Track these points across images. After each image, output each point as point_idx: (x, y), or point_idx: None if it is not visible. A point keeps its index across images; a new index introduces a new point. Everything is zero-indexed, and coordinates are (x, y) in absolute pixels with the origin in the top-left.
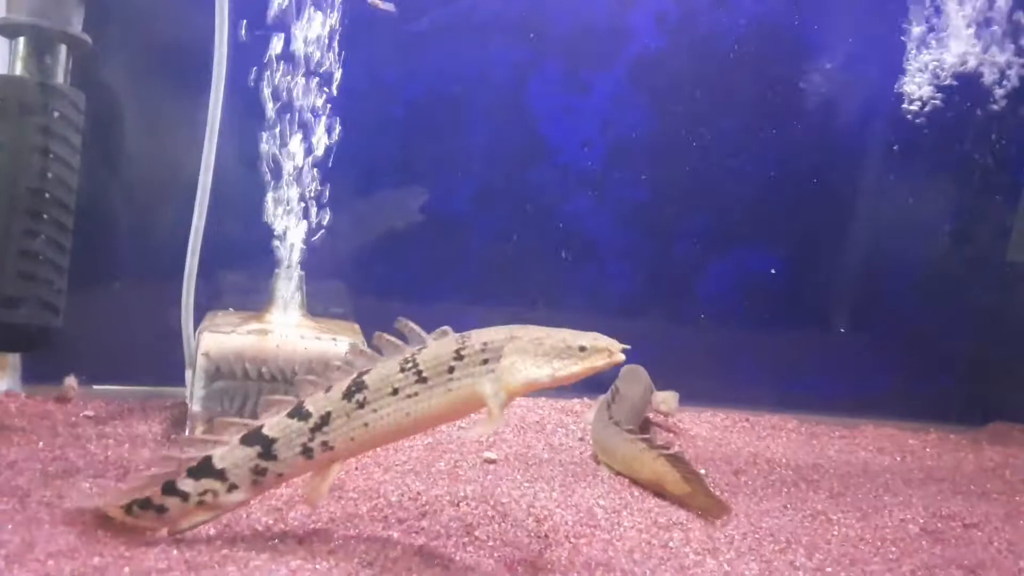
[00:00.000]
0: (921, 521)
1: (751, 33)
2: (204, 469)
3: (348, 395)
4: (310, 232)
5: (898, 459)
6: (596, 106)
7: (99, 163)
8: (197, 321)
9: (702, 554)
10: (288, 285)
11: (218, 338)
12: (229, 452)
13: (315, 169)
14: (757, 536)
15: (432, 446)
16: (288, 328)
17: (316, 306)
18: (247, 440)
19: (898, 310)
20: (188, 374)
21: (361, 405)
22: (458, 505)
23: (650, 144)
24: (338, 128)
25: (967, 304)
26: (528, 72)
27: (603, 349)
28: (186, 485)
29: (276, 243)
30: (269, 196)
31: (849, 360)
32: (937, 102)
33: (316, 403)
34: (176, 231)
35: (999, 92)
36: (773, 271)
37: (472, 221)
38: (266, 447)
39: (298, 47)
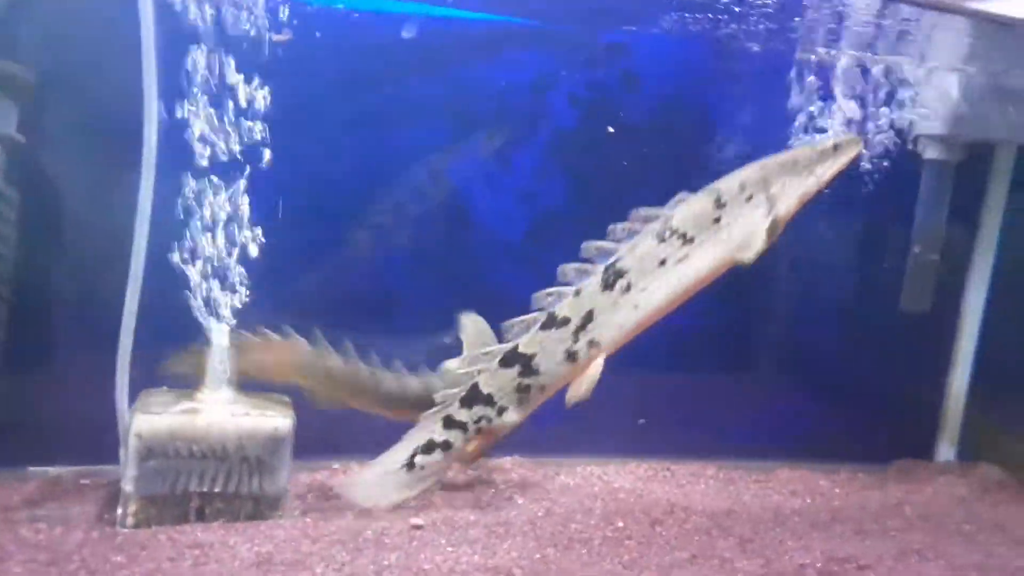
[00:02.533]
0: (819, 565)
1: (659, 111)
2: (473, 397)
3: (609, 285)
4: (240, 309)
5: (808, 501)
6: (517, 179)
7: (34, 242)
8: (133, 398)
9: None
10: (219, 363)
11: (149, 419)
12: (491, 376)
13: (244, 243)
14: None
15: (363, 513)
16: (219, 406)
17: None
18: (506, 362)
19: (811, 353)
20: (122, 453)
21: (627, 289)
22: (381, 574)
23: (569, 213)
24: (268, 205)
25: (873, 347)
26: (453, 150)
27: (852, 140)
28: (462, 415)
29: (206, 320)
30: (198, 273)
31: (765, 404)
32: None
33: (570, 307)
34: (110, 308)
35: (885, 155)
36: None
37: (403, 293)
38: (525, 364)
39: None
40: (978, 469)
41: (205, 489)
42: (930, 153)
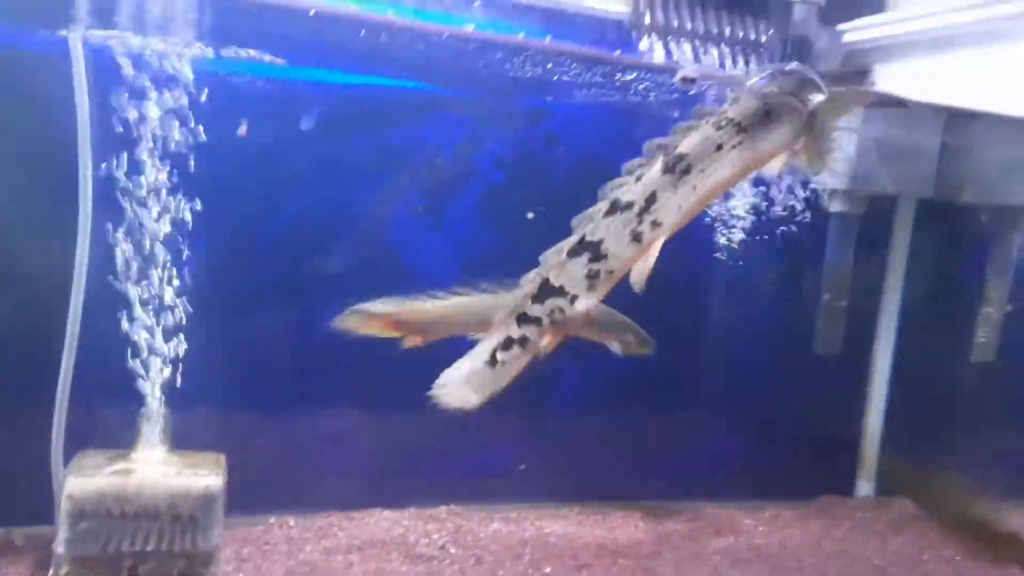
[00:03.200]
0: None
1: (581, 168)
2: (544, 291)
3: (669, 169)
4: (172, 367)
5: (731, 540)
6: (451, 232)
7: None
8: (68, 459)
9: None
10: (152, 423)
11: (81, 481)
12: (560, 269)
13: (177, 302)
14: None
15: (293, 569)
16: (151, 466)
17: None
18: (573, 253)
19: (735, 395)
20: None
21: (686, 171)
22: None
23: (500, 262)
24: (201, 263)
25: (794, 388)
26: (389, 205)
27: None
28: (535, 310)
29: (138, 380)
30: (129, 332)
31: (692, 444)
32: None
33: (632, 192)
34: (46, 366)
35: (800, 208)
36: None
37: (335, 348)
38: (594, 250)
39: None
40: (894, 504)
41: (137, 548)
42: (835, 206)
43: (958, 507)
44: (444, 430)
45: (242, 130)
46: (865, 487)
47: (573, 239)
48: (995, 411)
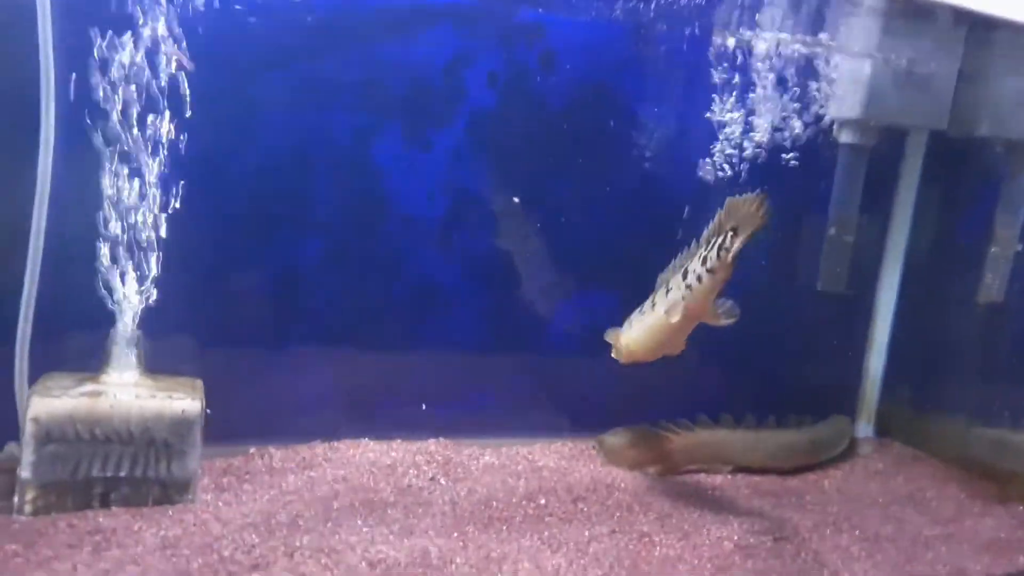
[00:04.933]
0: (736, 538)
1: (579, 94)
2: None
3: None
4: (147, 289)
5: (729, 477)
6: (438, 162)
7: None
8: (32, 384)
9: None
10: (124, 344)
11: (47, 402)
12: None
13: (153, 226)
14: (583, 562)
15: (276, 498)
16: (123, 388)
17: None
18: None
19: (735, 333)
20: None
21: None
22: (292, 556)
23: (490, 197)
24: (178, 189)
25: (796, 327)
26: (370, 132)
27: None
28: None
29: (111, 301)
30: (103, 253)
31: (688, 383)
32: (752, 156)
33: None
34: (8, 293)
35: (802, 147)
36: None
37: (319, 275)
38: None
39: (134, 99)
40: (894, 446)
41: (109, 474)
42: (845, 137)
43: (961, 448)
44: (433, 362)
45: (182, 60)
46: (864, 429)
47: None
48: (1001, 353)
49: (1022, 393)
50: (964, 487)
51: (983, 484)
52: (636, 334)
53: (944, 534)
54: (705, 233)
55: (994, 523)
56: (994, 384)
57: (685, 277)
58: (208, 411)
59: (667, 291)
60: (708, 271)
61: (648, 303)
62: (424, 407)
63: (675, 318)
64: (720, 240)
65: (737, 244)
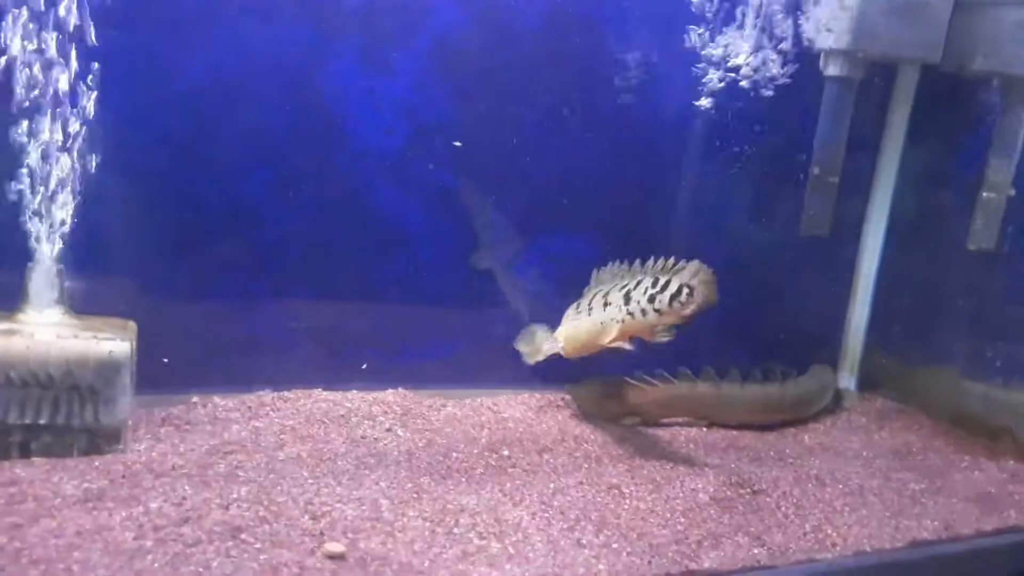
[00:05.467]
0: (711, 490)
1: (554, 16)
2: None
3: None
4: (72, 223)
5: (704, 430)
6: (397, 88)
7: None
8: None
9: (487, 538)
10: (44, 280)
11: None
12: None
13: (77, 154)
14: (547, 515)
15: (216, 448)
16: (43, 327)
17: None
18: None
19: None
20: None
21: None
22: (227, 508)
23: (452, 125)
24: (106, 109)
25: (775, 273)
26: (322, 51)
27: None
28: None
29: (30, 234)
30: (23, 182)
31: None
32: (737, 91)
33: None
34: None
35: (784, 82)
36: (583, 255)
37: (266, 209)
38: None
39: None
40: (878, 400)
41: (28, 421)
42: (832, 69)
43: (948, 401)
44: (394, 308)
45: None
46: (846, 381)
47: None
48: (992, 303)
49: (1014, 344)
50: (952, 441)
51: (972, 438)
52: (569, 333)
53: (932, 488)
54: (656, 264)
55: (983, 478)
56: (984, 335)
57: (627, 302)
58: (165, 360)
59: (605, 302)
60: (655, 311)
61: (585, 303)
62: (382, 355)
63: (606, 338)
64: (675, 292)
65: (691, 309)
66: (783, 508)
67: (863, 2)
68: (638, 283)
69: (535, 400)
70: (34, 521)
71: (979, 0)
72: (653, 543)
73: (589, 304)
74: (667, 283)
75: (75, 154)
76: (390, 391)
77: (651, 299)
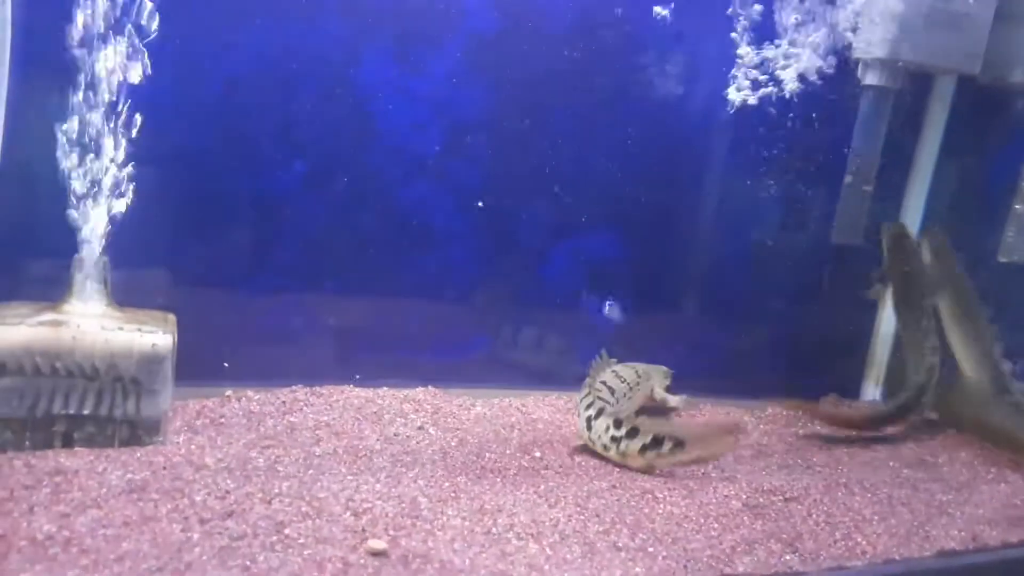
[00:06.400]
0: (744, 496)
1: (590, 16)
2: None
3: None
4: (115, 216)
5: (730, 436)
6: (431, 86)
7: None
8: None
9: (525, 539)
10: (89, 272)
11: (2, 330)
12: None
13: (121, 149)
14: (583, 518)
15: (254, 442)
16: (88, 319)
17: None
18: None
19: (740, 290)
20: None
21: None
22: (270, 503)
23: (487, 125)
24: (148, 105)
25: (804, 283)
26: (358, 49)
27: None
28: None
29: (77, 227)
30: (70, 176)
31: (693, 340)
32: (770, 94)
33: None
34: None
35: (817, 87)
36: (613, 256)
37: (300, 205)
38: None
39: (101, 17)
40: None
41: (72, 412)
42: (869, 78)
43: (975, 413)
44: (425, 308)
45: None
46: (871, 391)
47: None
48: (1020, 315)
49: None
50: (977, 453)
51: (997, 450)
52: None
53: (958, 500)
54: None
55: (1009, 490)
56: (1011, 346)
57: (589, 427)
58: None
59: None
60: (620, 454)
61: (582, 401)
62: (409, 353)
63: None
64: (653, 442)
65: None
66: (814, 516)
67: (903, 11)
68: (597, 407)
69: (562, 402)
70: (82, 510)
71: (1021, 12)
72: (688, 548)
73: (587, 402)
74: (635, 430)
75: (118, 149)
76: (420, 389)
77: (614, 440)
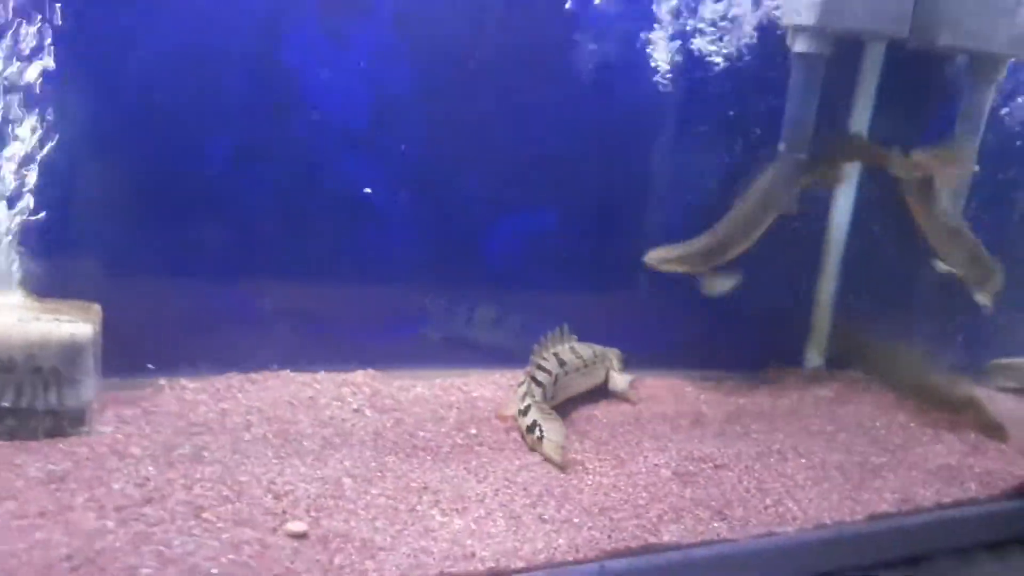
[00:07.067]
0: (674, 465)
1: None
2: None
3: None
4: (27, 206)
5: (672, 406)
6: (358, 58)
7: None
8: None
9: (449, 514)
10: (3, 263)
11: None
12: None
13: (33, 133)
14: (510, 492)
15: (182, 430)
16: (3, 310)
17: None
18: None
19: None
20: None
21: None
22: (191, 488)
23: (416, 98)
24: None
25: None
26: (281, 20)
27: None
28: None
29: None
30: None
31: (635, 312)
32: (712, 58)
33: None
34: None
35: (759, 49)
36: (553, 230)
37: (229, 186)
38: None
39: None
40: (844, 375)
41: None
42: (799, 45)
43: (913, 377)
44: (364, 290)
45: None
46: (815, 359)
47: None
48: (955, 278)
49: (977, 319)
50: (915, 415)
51: (934, 412)
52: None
53: (893, 461)
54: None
55: (944, 450)
56: (950, 311)
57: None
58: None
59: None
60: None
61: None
62: (346, 336)
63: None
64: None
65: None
66: (744, 482)
67: None
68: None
69: (506, 380)
70: None
71: None
72: (614, 518)
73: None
74: (527, 409)
75: (33, 132)
76: (359, 372)
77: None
